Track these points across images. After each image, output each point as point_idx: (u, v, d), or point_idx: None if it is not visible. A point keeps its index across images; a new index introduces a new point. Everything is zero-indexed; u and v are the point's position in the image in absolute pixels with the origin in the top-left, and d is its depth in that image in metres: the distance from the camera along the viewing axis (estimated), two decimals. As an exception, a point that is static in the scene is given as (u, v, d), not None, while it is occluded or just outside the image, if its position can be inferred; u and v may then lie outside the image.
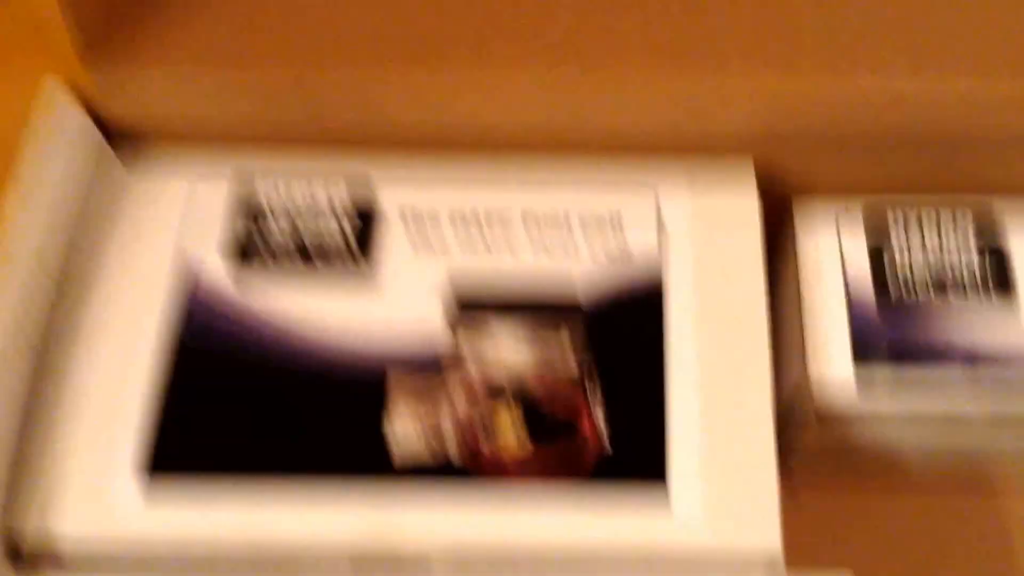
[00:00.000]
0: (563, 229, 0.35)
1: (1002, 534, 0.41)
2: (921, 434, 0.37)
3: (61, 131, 0.35)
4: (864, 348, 0.36)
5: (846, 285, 0.37)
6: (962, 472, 0.41)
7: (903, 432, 0.37)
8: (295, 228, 0.35)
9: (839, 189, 0.39)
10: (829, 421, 0.36)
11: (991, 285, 0.37)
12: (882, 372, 0.36)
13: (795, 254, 0.38)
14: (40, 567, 0.31)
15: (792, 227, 0.38)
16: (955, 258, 0.37)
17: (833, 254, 0.38)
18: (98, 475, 0.32)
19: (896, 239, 0.38)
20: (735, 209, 0.36)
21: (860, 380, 0.36)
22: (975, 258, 0.37)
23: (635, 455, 0.32)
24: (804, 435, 0.38)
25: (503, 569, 0.31)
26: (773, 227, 0.39)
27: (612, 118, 0.36)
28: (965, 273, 0.37)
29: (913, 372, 0.36)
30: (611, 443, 0.32)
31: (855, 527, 0.41)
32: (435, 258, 0.35)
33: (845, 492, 0.41)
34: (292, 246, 0.35)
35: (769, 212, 0.38)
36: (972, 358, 0.36)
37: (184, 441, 0.32)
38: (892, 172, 0.39)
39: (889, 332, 0.36)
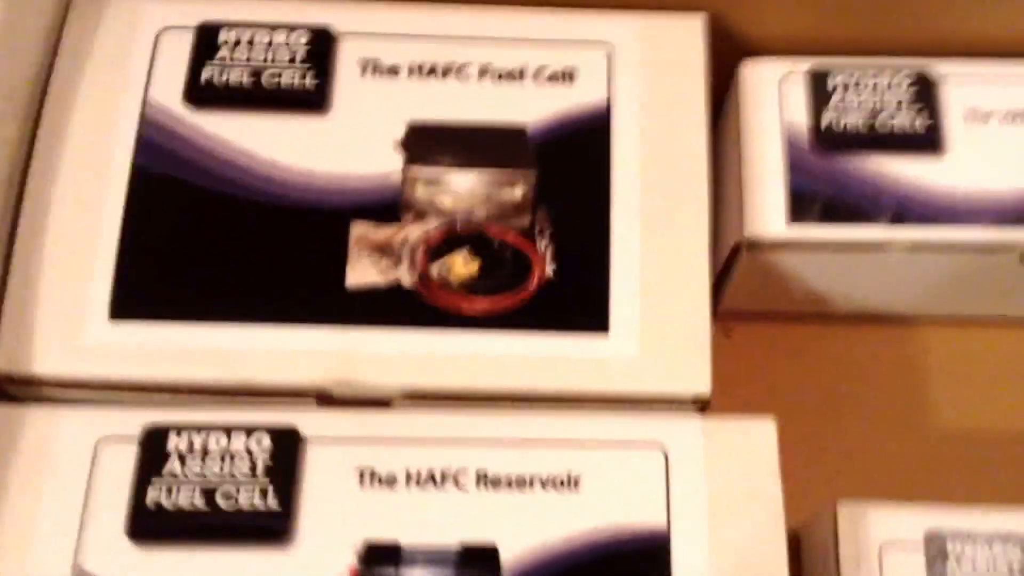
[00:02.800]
0: (517, 83, 0.37)
1: (917, 359, 0.44)
2: (846, 266, 0.39)
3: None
4: (799, 207, 0.38)
5: (784, 144, 0.39)
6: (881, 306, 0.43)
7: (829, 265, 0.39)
8: (256, 73, 0.36)
9: (786, 51, 0.40)
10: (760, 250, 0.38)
11: (923, 144, 0.39)
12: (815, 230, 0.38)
13: (738, 113, 0.39)
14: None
15: (737, 86, 0.40)
16: (891, 119, 0.39)
17: (774, 114, 0.39)
18: (69, 318, 0.33)
19: (835, 101, 0.39)
20: (683, 67, 0.37)
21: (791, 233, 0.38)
22: (909, 118, 0.39)
23: (578, 290, 0.34)
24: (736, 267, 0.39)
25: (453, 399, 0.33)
26: (721, 87, 0.41)
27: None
28: (899, 132, 0.39)
29: (844, 230, 0.38)
30: (556, 276, 0.34)
31: (781, 359, 0.44)
32: (393, 108, 0.36)
33: (773, 325, 0.44)
34: (251, 92, 0.36)
35: (716, 72, 0.40)
36: (901, 215, 0.38)
37: (145, 283, 0.33)
38: (840, 32, 0.40)
39: (824, 191, 0.38)
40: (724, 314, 0.44)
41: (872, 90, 0.39)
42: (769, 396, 0.42)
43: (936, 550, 0.34)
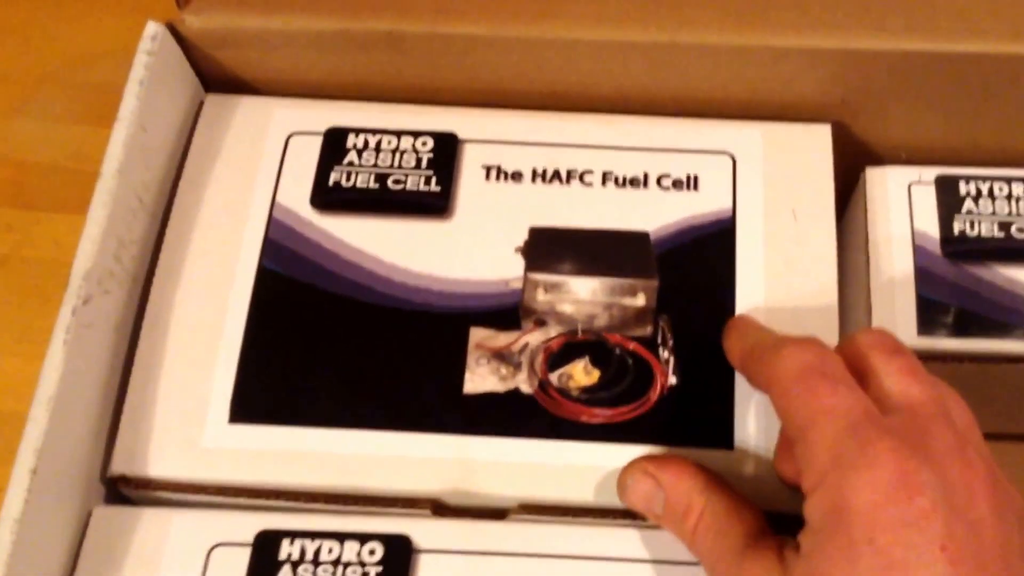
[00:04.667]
0: (641, 190, 0.36)
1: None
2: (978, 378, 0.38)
3: (162, 75, 0.36)
4: (929, 317, 0.37)
5: (914, 252, 0.37)
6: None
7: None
8: (381, 177, 0.36)
9: (913, 159, 0.39)
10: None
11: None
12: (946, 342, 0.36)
13: (865, 220, 0.38)
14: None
15: (863, 193, 0.39)
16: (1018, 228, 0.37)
17: (903, 221, 0.38)
18: (187, 420, 0.33)
19: (966, 210, 0.38)
20: (809, 175, 0.37)
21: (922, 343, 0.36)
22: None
23: (701, 403, 0.33)
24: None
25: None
26: (840, 194, 0.40)
27: (690, 81, 0.37)
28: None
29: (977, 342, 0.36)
30: (678, 387, 0.33)
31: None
32: (515, 213, 0.36)
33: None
34: (377, 196, 0.36)
35: (842, 180, 0.39)
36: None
37: (265, 387, 0.33)
38: (969, 139, 0.39)
39: (955, 301, 0.37)
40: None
41: (1006, 199, 0.38)
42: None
43: None
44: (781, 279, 0.35)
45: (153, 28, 0.37)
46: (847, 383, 0.28)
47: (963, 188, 0.38)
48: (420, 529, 0.32)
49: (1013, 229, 0.38)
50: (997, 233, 0.38)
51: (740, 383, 0.33)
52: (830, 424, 0.27)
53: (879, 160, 0.40)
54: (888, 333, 0.30)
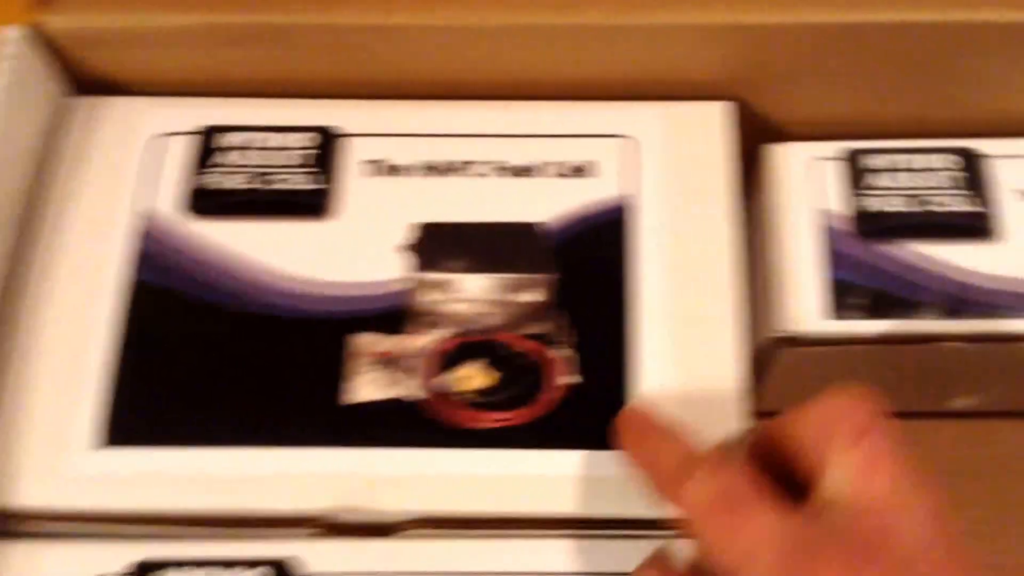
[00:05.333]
0: (535, 179, 0.34)
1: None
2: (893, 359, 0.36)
3: (22, 80, 0.34)
4: (841, 300, 0.35)
5: (821, 232, 0.36)
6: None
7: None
8: (257, 178, 0.34)
9: (817, 134, 0.38)
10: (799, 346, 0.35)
11: (975, 229, 0.36)
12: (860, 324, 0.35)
13: (768, 201, 0.37)
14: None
15: (765, 172, 0.37)
16: (938, 203, 0.36)
17: (806, 201, 0.36)
18: (55, 446, 0.31)
19: (875, 186, 0.37)
20: (707, 157, 0.35)
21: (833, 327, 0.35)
22: (960, 203, 0.36)
23: (601, 401, 0.31)
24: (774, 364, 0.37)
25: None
26: (749, 173, 0.38)
27: (585, 64, 0.35)
28: (948, 217, 0.36)
29: (892, 323, 0.35)
30: (577, 385, 0.31)
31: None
32: (401, 210, 0.34)
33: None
34: (252, 198, 0.34)
35: (745, 158, 0.38)
36: (955, 306, 0.35)
37: (136, 407, 0.31)
38: (873, 113, 0.37)
39: (867, 282, 0.35)
40: (766, 414, 0.42)
41: (916, 173, 0.37)
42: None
43: None
44: (681, 263, 0.33)
45: (12, 31, 0.34)
46: (761, 509, 0.24)
47: (871, 162, 0.37)
48: (309, 551, 0.30)
49: (925, 202, 0.36)
50: (910, 208, 0.36)
51: (643, 379, 0.31)
52: (759, 566, 0.24)
53: (787, 137, 0.38)
54: (856, 401, 0.26)
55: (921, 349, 0.35)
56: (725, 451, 0.28)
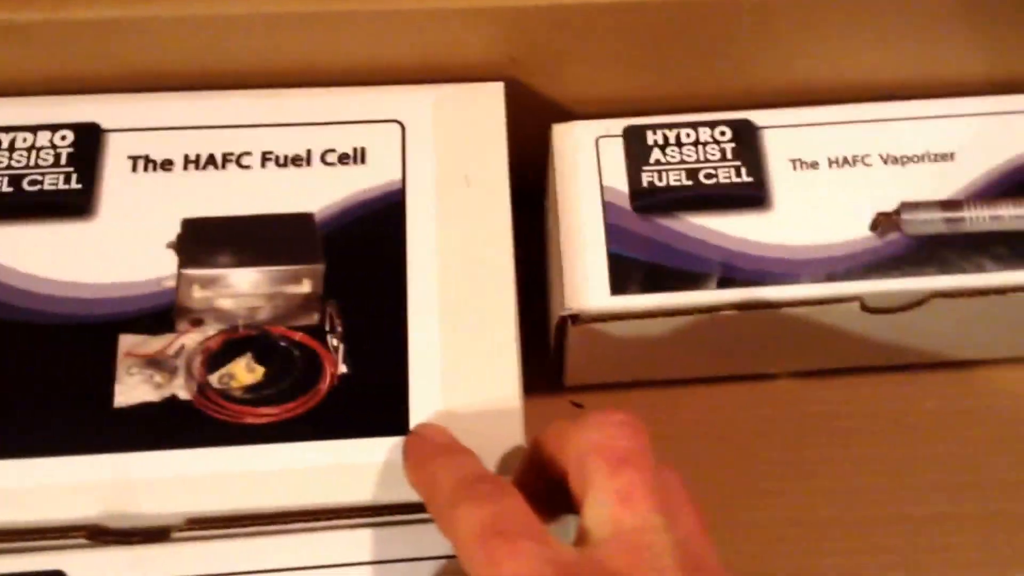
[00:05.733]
0: (304, 168, 0.34)
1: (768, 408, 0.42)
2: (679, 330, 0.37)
3: None
4: (621, 276, 0.36)
5: (603, 210, 0.36)
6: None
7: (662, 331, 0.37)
8: (11, 180, 0.33)
9: (603, 112, 0.38)
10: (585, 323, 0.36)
11: (749, 199, 0.37)
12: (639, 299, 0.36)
13: (553, 182, 0.37)
14: None
15: (550, 153, 0.38)
16: (713, 175, 0.37)
17: (590, 178, 0.37)
18: None
19: (654, 160, 0.37)
20: (482, 140, 0.35)
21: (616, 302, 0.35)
22: (732, 174, 0.37)
23: (375, 390, 0.31)
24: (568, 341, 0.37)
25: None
26: (541, 156, 0.38)
27: (354, 49, 0.35)
28: (722, 188, 0.37)
29: (670, 296, 0.36)
30: (350, 375, 0.31)
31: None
32: (167, 206, 0.33)
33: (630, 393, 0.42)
34: (11, 201, 0.33)
35: (534, 140, 0.38)
36: (728, 276, 0.36)
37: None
38: (649, 89, 0.38)
39: (646, 256, 0.36)
40: (574, 388, 0.42)
41: (692, 146, 0.37)
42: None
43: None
44: (455, 249, 0.33)
45: None
46: (528, 536, 0.25)
47: (650, 138, 0.38)
48: (77, 562, 0.29)
49: (700, 176, 0.37)
50: (685, 181, 0.37)
51: (415, 366, 0.31)
52: None
53: (576, 116, 0.38)
54: (618, 428, 0.26)
55: (700, 319, 0.36)
56: (500, 477, 0.28)
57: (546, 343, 0.39)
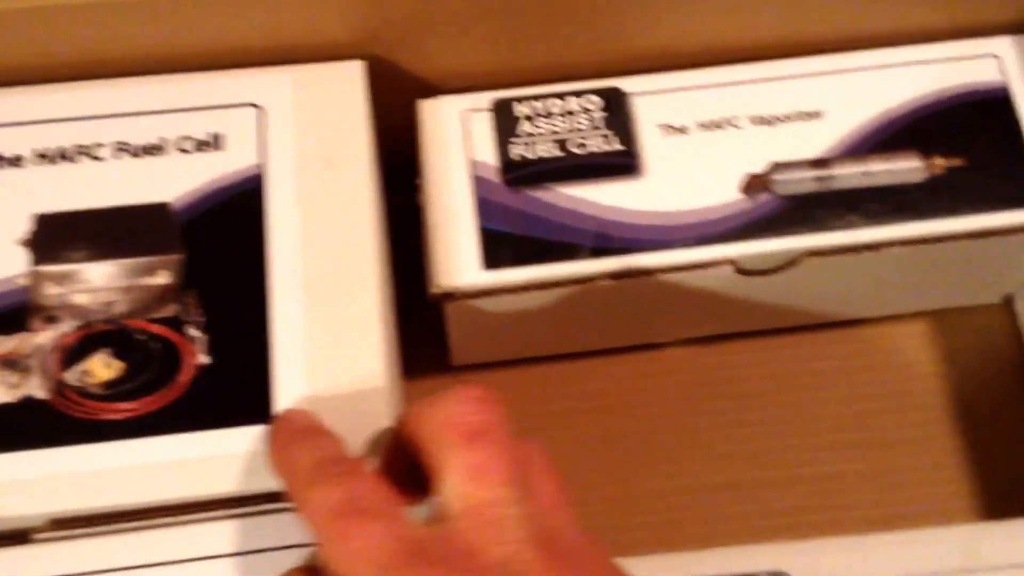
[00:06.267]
0: (160, 157, 0.33)
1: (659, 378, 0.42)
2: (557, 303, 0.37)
3: None
4: (492, 251, 0.35)
5: (472, 185, 0.36)
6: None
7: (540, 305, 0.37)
8: None
9: (471, 86, 0.38)
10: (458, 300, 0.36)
11: (619, 167, 0.36)
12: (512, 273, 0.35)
13: (424, 156, 0.37)
14: None
15: (420, 128, 0.37)
16: (583, 145, 0.37)
17: (458, 154, 0.37)
18: None
19: (523, 133, 0.37)
20: (343, 119, 0.34)
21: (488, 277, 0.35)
22: (603, 142, 0.37)
23: (237, 379, 0.31)
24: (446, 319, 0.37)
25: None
26: (412, 133, 0.38)
27: (208, 33, 0.34)
28: (593, 157, 0.37)
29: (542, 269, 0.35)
30: (211, 366, 0.31)
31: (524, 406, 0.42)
32: (18, 202, 0.32)
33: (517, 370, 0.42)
34: None
35: (403, 117, 0.37)
36: (601, 246, 0.36)
37: None
38: (515, 61, 0.38)
39: (517, 230, 0.36)
40: (463, 368, 0.42)
41: (561, 116, 0.37)
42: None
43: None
44: (317, 232, 0.32)
45: None
46: (380, 515, 0.24)
47: (518, 110, 0.37)
48: (-66, 570, 0.29)
49: (571, 146, 0.37)
50: (555, 152, 0.37)
51: (278, 353, 0.31)
52: (362, 569, 0.24)
53: (445, 91, 0.38)
54: (472, 404, 0.26)
55: (576, 291, 0.36)
56: (357, 459, 0.28)
57: (434, 323, 0.39)
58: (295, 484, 0.27)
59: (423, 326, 0.39)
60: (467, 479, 0.25)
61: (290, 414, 0.30)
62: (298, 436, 0.28)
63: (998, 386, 0.42)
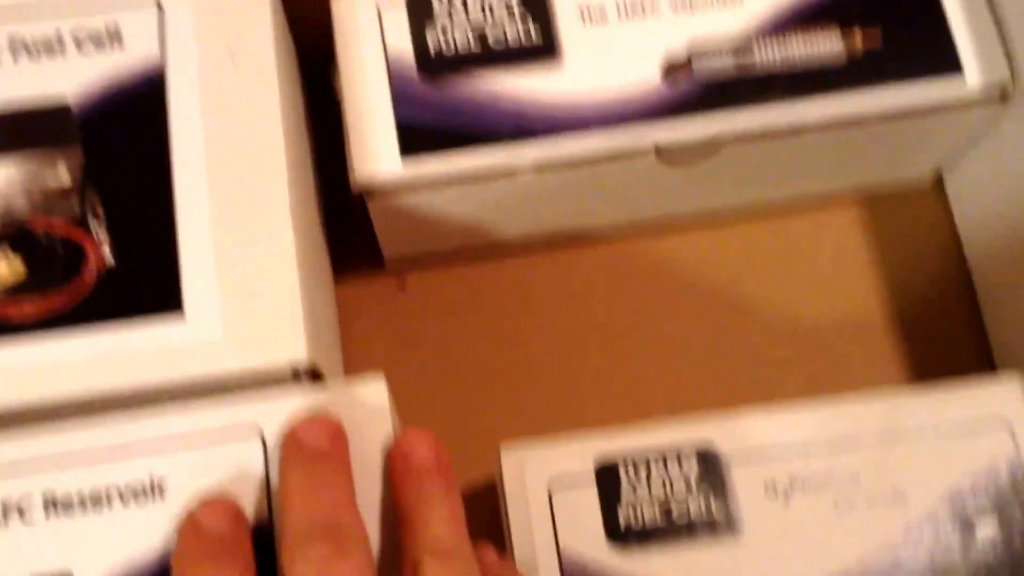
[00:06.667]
0: (56, 54, 0.32)
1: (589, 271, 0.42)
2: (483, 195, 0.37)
3: None
4: (409, 142, 0.35)
5: (388, 75, 0.35)
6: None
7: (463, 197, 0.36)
8: None
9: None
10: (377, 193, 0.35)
11: (539, 53, 0.36)
12: (431, 164, 0.35)
13: (340, 49, 0.36)
14: None
15: (335, 21, 0.36)
16: (502, 31, 0.36)
17: (374, 43, 0.36)
18: None
19: (440, 20, 0.36)
20: (246, 8, 0.34)
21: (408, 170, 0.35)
22: (521, 30, 0.36)
23: (144, 275, 0.30)
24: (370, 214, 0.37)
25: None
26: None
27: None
28: (511, 44, 0.36)
29: (462, 158, 0.35)
30: (117, 263, 0.30)
31: (460, 302, 0.41)
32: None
33: (449, 268, 0.42)
34: None
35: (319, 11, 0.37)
36: (521, 133, 0.35)
37: None
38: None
39: (435, 119, 0.35)
40: (395, 264, 0.42)
41: (477, 6, 0.36)
42: (449, 344, 0.40)
43: (608, 477, 0.32)
44: (221, 128, 0.32)
45: None
46: None
47: (436, 3, 0.36)
48: None
49: (488, 34, 0.36)
50: (473, 41, 0.36)
51: (185, 250, 0.31)
52: None
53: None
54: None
55: (497, 181, 0.35)
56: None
57: (367, 222, 0.38)
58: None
59: (357, 225, 0.39)
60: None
61: (203, 514, 0.27)
62: (202, 556, 0.26)
63: (931, 270, 0.42)
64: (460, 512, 0.27)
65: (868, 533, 0.32)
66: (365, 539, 0.26)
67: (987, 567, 0.31)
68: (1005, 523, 0.32)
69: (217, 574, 0.26)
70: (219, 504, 0.27)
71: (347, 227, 0.41)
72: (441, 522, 0.26)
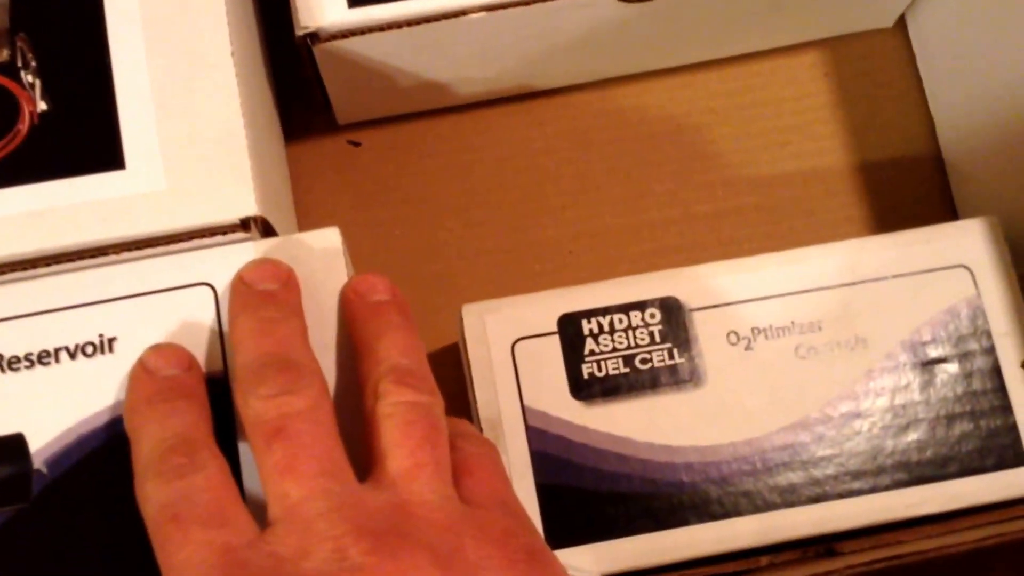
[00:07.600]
0: None
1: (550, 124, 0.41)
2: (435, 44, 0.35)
3: None
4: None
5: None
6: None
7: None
8: None
9: None
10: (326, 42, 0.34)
11: None
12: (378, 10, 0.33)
13: None
14: None
15: None
16: None
17: None
18: None
19: None
20: None
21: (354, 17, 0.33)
22: None
23: (80, 125, 0.29)
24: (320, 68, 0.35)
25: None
26: None
27: None
28: None
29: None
30: (50, 113, 0.29)
31: (414, 160, 0.40)
32: None
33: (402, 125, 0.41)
34: None
35: None
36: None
37: None
38: None
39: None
40: (349, 124, 0.40)
41: None
42: (405, 202, 0.39)
43: (571, 330, 0.32)
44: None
45: None
46: (209, 522, 0.23)
47: None
48: None
49: None
50: None
51: (123, 96, 0.29)
52: None
53: None
54: (272, 390, 0.24)
55: (447, 26, 0.34)
56: (204, 442, 0.25)
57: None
58: (135, 462, 0.25)
59: (310, 92, 0.37)
60: (278, 479, 0.24)
61: (154, 359, 0.27)
62: (154, 397, 0.26)
63: (891, 110, 0.41)
64: (419, 344, 0.27)
65: (830, 379, 0.32)
66: (319, 372, 0.25)
67: (947, 405, 0.31)
68: (964, 361, 0.32)
69: (171, 412, 0.25)
70: (170, 349, 0.27)
71: (301, 92, 0.39)
72: (399, 350, 0.26)
